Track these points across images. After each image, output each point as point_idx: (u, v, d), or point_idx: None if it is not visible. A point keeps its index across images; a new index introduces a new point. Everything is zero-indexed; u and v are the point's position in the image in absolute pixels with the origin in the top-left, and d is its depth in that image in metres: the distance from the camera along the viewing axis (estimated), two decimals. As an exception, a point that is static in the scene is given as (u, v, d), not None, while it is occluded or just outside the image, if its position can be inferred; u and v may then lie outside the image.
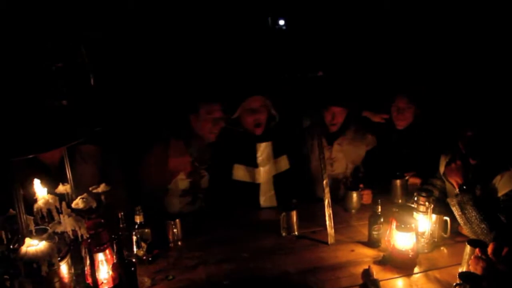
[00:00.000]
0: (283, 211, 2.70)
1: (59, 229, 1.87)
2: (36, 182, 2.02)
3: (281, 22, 7.11)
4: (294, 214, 2.70)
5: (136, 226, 2.34)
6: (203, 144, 3.24)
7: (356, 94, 3.52)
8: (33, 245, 1.69)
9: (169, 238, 2.60)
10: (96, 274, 1.91)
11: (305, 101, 3.86)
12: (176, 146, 3.19)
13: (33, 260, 1.64)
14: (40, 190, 2.04)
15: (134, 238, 2.30)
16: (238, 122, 3.31)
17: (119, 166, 3.03)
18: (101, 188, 2.15)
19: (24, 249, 1.67)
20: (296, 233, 2.72)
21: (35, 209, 1.98)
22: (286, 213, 2.67)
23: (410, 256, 2.28)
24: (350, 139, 3.47)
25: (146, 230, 2.37)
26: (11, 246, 1.76)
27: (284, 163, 3.43)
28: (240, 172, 3.31)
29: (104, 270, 2.02)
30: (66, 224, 1.85)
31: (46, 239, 1.78)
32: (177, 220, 2.59)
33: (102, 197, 2.15)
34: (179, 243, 2.63)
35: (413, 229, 2.30)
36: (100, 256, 2.02)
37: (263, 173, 3.35)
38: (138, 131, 3.57)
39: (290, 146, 3.48)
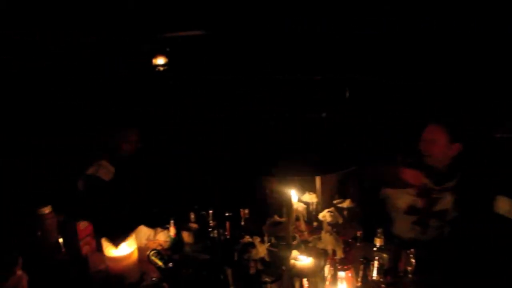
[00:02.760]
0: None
1: (320, 246, 1.92)
2: (293, 192, 2.25)
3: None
4: None
5: (375, 249, 1.90)
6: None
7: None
8: (301, 260, 1.74)
9: (398, 267, 1.97)
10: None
11: None
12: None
13: (299, 275, 1.68)
14: (293, 197, 2.23)
15: (376, 263, 1.83)
16: None
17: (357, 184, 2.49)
18: (346, 203, 2.09)
19: (292, 261, 1.76)
20: None
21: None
22: None
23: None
24: None
25: (384, 255, 1.86)
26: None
27: None
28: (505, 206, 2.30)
29: None
30: (327, 242, 1.91)
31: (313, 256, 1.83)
32: (412, 249, 1.91)
33: (345, 213, 2.05)
34: (410, 276, 1.97)
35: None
36: (340, 274, 1.83)
37: None
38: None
39: None
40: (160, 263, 2.08)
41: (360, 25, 4.39)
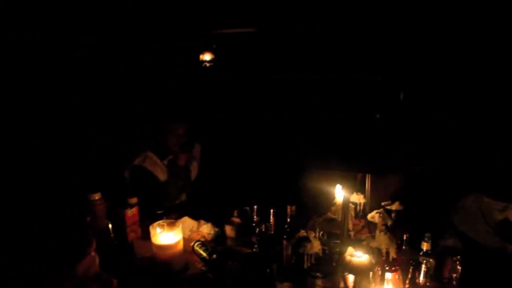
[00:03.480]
0: None
1: (373, 245, 1.91)
2: (338, 187, 2.24)
3: None
4: None
5: (421, 253, 1.87)
6: None
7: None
8: (357, 256, 1.73)
9: (444, 275, 1.94)
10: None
11: None
12: None
13: (353, 271, 1.67)
14: (339, 195, 2.22)
15: (424, 267, 1.80)
16: None
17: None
18: (395, 206, 2.06)
19: (348, 257, 1.74)
20: None
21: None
22: None
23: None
24: None
25: (431, 260, 1.82)
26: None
27: None
28: None
29: None
30: (381, 241, 1.89)
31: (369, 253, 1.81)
32: (458, 256, 1.88)
33: (393, 215, 2.02)
34: (454, 283, 1.91)
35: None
36: (388, 275, 1.82)
37: None
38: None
39: None
40: (204, 254, 2.11)
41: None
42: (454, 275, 2.01)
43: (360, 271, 1.54)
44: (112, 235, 2.19)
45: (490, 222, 2.36)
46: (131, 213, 2.35)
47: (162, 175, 2.98)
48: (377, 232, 1.81)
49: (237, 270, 1.85)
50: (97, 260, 1.39)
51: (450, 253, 2.01)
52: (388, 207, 2.15)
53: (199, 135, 3.35)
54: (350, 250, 1.61)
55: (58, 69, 4.41)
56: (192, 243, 2.21)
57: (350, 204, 2.13)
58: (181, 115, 3.21)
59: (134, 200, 2.39)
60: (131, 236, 2.37)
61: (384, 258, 1.82)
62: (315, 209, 2.31)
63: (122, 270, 1.91)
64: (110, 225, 2.20)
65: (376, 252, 1.72)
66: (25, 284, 1.27)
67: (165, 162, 3.04)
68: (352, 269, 1.56)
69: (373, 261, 1.64)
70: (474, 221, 2.41)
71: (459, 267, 1.99)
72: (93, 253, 1.36)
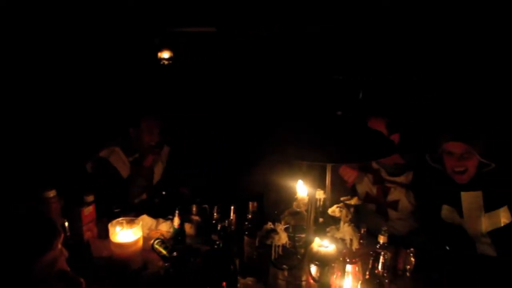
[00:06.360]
0: None
1: (338, 236, 1.94)
2: (300, 182, 2.27)
3: None
4: None
5: (378, 246, 1.94)
6: None
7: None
8: (324, 246, 1.76)
9: (398, 266, 2.09)
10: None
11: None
12: None
13: (321, 261, 1.70)
14: (302, 191, 2.25)
15: (382, 258, 1.87)
16: None
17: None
18: (354, 201, 2.12)
19: (315, 247, 1.77)
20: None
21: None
22: None
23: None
24: None
25: (388, 252, 1.90)
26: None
27: None
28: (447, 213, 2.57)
29: (348, 282, 1.79)
30: (345, 232, 1.93)
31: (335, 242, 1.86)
32: (412, 249, 2.09)
33: (351, 210, 2.07)
34: (407, 274, 2.08)
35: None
36: (348, 267, 1.85)
37: None
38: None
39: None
40: (164, 251, 2.08)
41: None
42: (408, 266, 2.10)
43: (327, 261, 1.57)
44: (68, 234, 2.11)
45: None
46: (88, 211, 2.28)
47: (125, 172, 2.91)
48: (342, 223, 1.85)
49: (200, 267, 1.84)
50: (64, 257, 1.21)
51: (404, 245, 2.11)
52: (348, 202, 2.20)
53: (169, 135, 3.30)
54: (317, 240, 1.64)
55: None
56: (152, 241, 2.17)
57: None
58: (156, 113, 3.13)
59: (91, 198, 2.32)
60: (88, 234, 2.30)
61: (346, 250, 1.86)
62: (277, 204, 2.33)
63: (79, 270, 1.84)
64: (66, 224, 2.12)
65: (340, 242, 1.76)
66: None
67: (131, 159, 2.97)
68: (319, 259, 1.59)
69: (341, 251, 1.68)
70: None
71: (412, 259, 2.08)
72: (59, 246, 1.17)
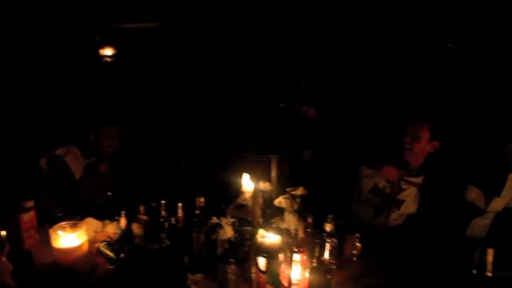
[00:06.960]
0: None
1: (282, 226, 1.98)
2: (245, 176, 2.30)
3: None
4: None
5: (325, 234, 2.00)
6: None
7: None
8: (269, 238, 1.81)
9: (345, 253, 2.14)
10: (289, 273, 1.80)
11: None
12: None
13: (267, 252, 1.73)
14: (248, 184, 2.28)
15: (328, 246, 1.92)
16: None
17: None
18: (299, 191, 2.17)
19: (259, 239, 1.82)
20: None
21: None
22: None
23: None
24: None
25: (334, 240, 1.96)
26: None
27: None
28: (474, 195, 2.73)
29: (297, 271, 1.82)
30: (290, 222, 1.96)
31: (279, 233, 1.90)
32: (357, 234, 2.16)
33: (298, 200, 2.12)
34: (354, 259, 2.15)
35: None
36: (296, 257, 1.88)
37: None
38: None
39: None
40: (111, 254, 2.03)
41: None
42: (355, 252, 2.18)
43: (273, 252, 1.60)
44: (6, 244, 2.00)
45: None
46: (28, 217, 2.18)
47: (78, 173, 2.81)
48: (286, 214, 1.89)
49: (148, 267, 1.82)
50: (9, 270, 1.14)
51: (349, 231, 2.18)
52: (293, 193, 2.24)
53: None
54: (261, 232, 1.66)
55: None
56: (97, 244, 2.12)
57: (258, 192, 2.20)
58: (118, 119, 3.02)
59: (30, 204, 2.22)
60: (28, 242, 2.19)
61: (292, 239, 1.91)
62: (223, 198, 2.34)
63: (21, 281, 1.77)
64: (3, 232, 2.01)
65: (285, 233, 1.80)
66: None
67: (86, 161, 2.87)
68: (264, 250, 1.62)
69: (284, 242, 1.71)
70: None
71: (358, 244, 2.16)
72: (3, 259, 1.11)
